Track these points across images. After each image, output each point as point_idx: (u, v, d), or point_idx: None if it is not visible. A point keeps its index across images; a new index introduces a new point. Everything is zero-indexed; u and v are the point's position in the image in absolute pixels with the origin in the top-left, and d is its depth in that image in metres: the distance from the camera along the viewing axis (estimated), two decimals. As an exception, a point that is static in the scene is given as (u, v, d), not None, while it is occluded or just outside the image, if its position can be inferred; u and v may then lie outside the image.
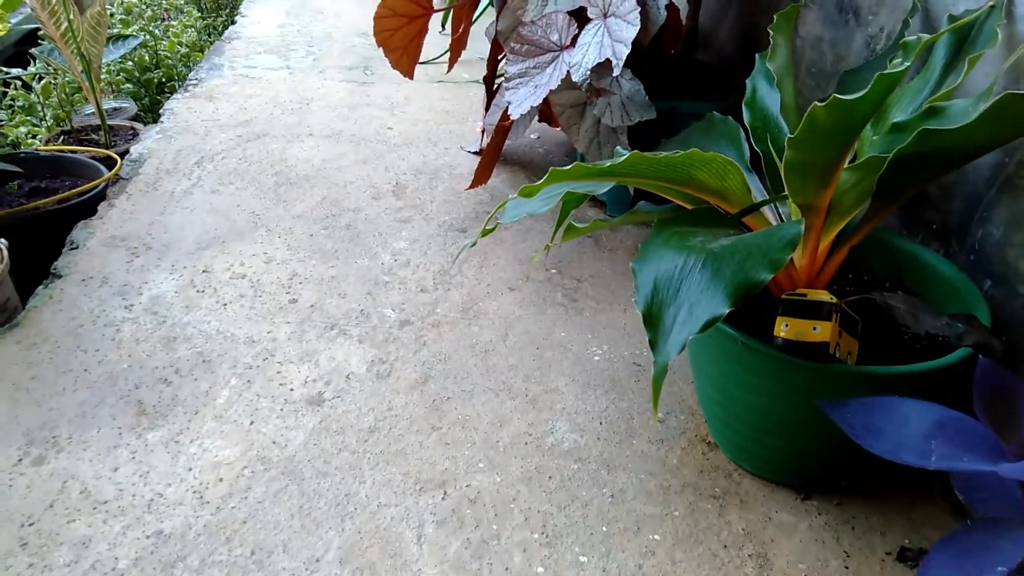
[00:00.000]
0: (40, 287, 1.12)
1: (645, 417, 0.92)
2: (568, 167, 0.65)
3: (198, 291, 1.13)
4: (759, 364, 0.72)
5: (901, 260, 0.86)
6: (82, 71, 1.67)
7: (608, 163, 0.64)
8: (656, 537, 0.77)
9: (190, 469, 0.83)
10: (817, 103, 0.60)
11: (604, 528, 0.78)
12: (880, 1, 1.02)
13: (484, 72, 1.49)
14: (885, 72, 0.54)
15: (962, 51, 0.76)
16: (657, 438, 0.89)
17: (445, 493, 0.81)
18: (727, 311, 0.57)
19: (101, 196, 1.40)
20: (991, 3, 0.79)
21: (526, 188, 0.66)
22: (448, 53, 1.61)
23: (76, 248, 1.22)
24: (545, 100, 1.09)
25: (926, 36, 0.59)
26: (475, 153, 1.61)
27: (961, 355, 0.69)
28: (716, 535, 0.77)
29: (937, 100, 0.70)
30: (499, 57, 1.45)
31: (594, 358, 1.02)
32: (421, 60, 1.44)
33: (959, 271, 0.81)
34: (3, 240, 1.17)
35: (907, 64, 0.54)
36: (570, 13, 1.10)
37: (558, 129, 1.38)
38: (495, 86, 1.50)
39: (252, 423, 0.89)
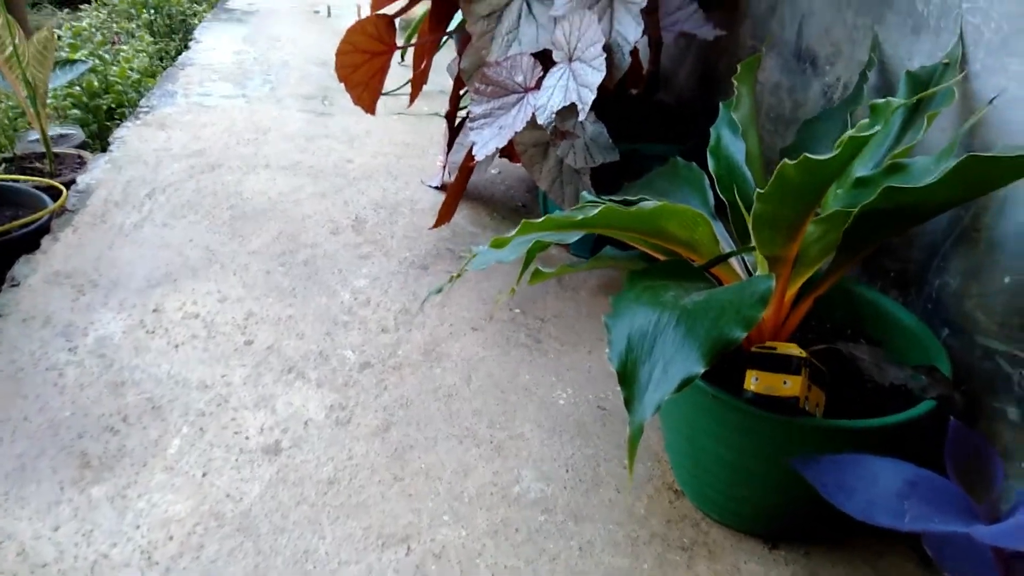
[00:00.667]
0: (-23, 327, 1.06)
1: (612, 464, 0.91)
2: (540, 220, 0.64)
3: (148, 332, 1.08)
4: (729, 417, 0.71)
5: (862, 309, 0.87)
6: (27, 96, 1.61)
7: (580, 216, 0.64)
8: (625, 592, 0.76)
9: (138, 527, 0.78)
10: (787, 160, 0.60)
11: (572, 583, 0.76)
12: (837, 52, 1.05)
13: (445, 104, 1.49)
14: (854, 135, 0.54)
15: (920, 107, 0.78)
16: (624, 486, 0.88)
17: (409, 548, 0.79)
18: (702, 370, 0.56)
19: (45, 229, 1.34)
20: (945, 61, 0.82)
21: (497, 240, 0.65)
22: (409, 85, 1.60)
23: (17, 285, 1.16)
24: (509, 140, 1.08)
25: (895, 100, 0.61)
26: (436, 188, 1.60)
27: (926, 408, 0.70)
28: (685, 589, 0.76)
29: (898, 156, 0.71)
30: (460, 93, 1.45)
31: (559, 402, 1.01)
32: (382, 92, 1.42)
33: (919, 321, 0.82)
34: (-63, 277, 1.11)
35: (877, 128, 0.55)
36: (535, 55, 1.10)
37: (519, 164, 1.38)
38: (456, 122, 1.49)
39: (205, 475, 0.85)
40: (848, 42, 1.02)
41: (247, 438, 0.91)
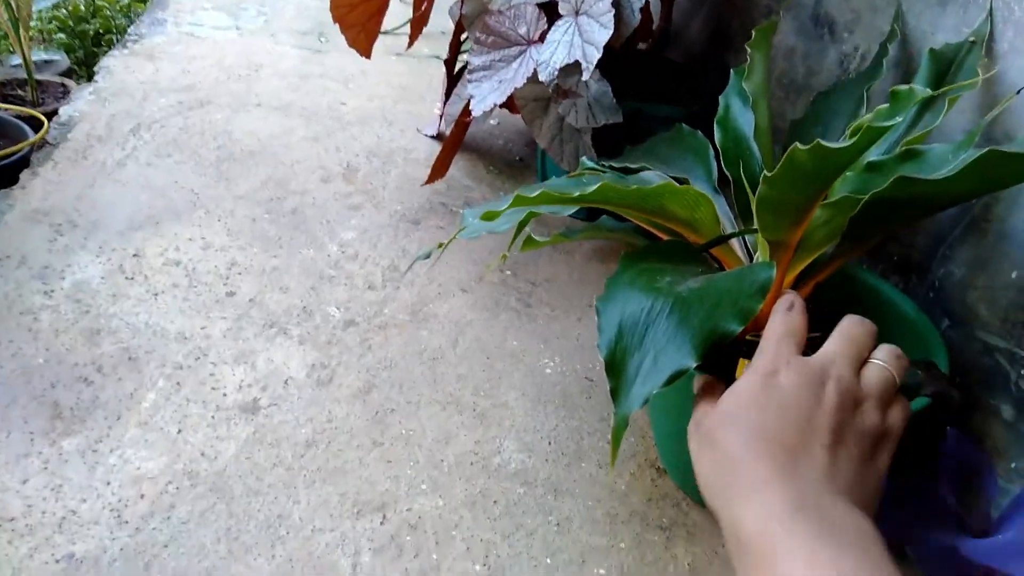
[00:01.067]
0: (-51, 265, 1.02)
1: (595, 438, 0.90)
2: (534, 194, 0.60)
3: (127, 278, 1.05)
4: (718, 404, 0.69)
5: (862, 295, 0.85)
6: (7, 19, 1.54)
7: (577, 192, 0.60)
8: (601, 571, 0.75)
9: (108, 483, 0.77)
10: (799, 145, 0.56)
11: (548, 560, 0.75)
12: (856, 19, 1.00)
13: (445, 46, 1.43)
14: (873, 126, 0.51)
15: (940, 87, 0.74)
16: (606, 461, 0.87)
17: (384, 517, 0.77)
18: (694, 364, 0.54)
19: (24, 162, 1.29)
20: (971, 39, 0.77)
21: (488, 212, 0.62)
22: (408, 25, 1.54)
23: (-8, 222, 1.12)
24: (509, 96, 1.03)
25: (919, 90, 0.57)
26: (432, 137, 1.55)
27: (919, 405, 0.68)
28: (662, 570, 0.76)
29: (914, 142, 0.67)
30: (461, 38, 1.39)
31: (546, 371, 0.99)
32: (380, 32, 1.36)
33: (920, 312, 0.79)
34: (-91, 209, 1.07)
35: (898, 119, 0.52)
36: (540, 6, 1.05)
37: (519, 116, 1.33)
38: (455, 70, 1.43)
39: (180, 431, 0.84)
40: (869, 10, 0.97)
41: (225, 395, 0.89)
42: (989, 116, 0.70)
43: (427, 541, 0.76)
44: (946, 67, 0.76)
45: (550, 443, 0.89)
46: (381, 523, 0.77)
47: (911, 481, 0.55)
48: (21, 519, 0.72)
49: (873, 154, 0.73)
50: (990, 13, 0.76)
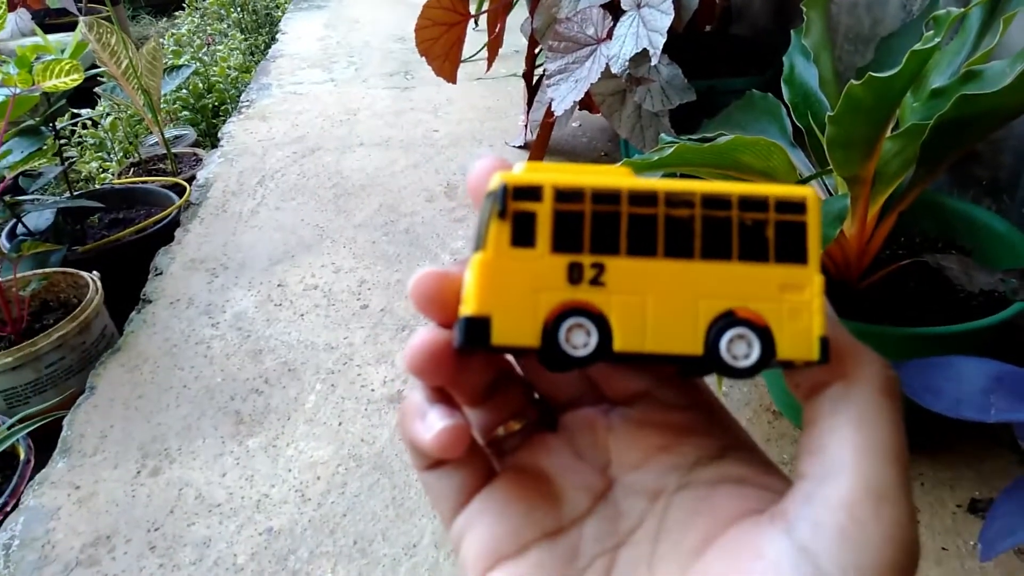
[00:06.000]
0: (133, 312, 1.21)
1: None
2: (617, 165, 0.68)
3: (276, 305, 1.20)
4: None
5: (953, 220, 0.87)
6: (144, 104, 1.77)
7: (656, 157, 0.68)
8: (729, 505, 0.81)
9: (290, 470, 0.90)
10: (853, 81, 0.62)
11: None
12: (913, -38, 1.02)
13: (521, 65, 1.53)
14: (916, 49, 0.56)
15: (996, 10, 0.77)
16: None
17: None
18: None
19: (175, 222, 1.49)
20: (1025, -42, 0.80)
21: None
22: (485, 50, 1.66)
23: (160, 274, 1.31)
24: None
25: (955, 10, 0.61)
26: (520, 147, 1.65)
27: (1016, 309, 0.71)
28: (787, 499, 0.81)
29: (974, 63, 0.71)
30: (536, 51, 1.49)
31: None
32: (461, 60, 1.48)
33: (1012, 227, 0.82)
34: (95, 272, 1.26)
35: (938, 40, 0.57)
36: (603, 6, 1.13)
37: (599, 115, 1.41)
38: (534, 80, 1.53)
39: (340, 424, 0.96)
40: (924, -50, 1.00)
41: (373, 390, 1.01)
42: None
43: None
44: (1000, -10, 0.79)
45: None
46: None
47: (1008, 372, 0.59)
48: (226, 504, 0.86)
49: (937, 81, 0.77)
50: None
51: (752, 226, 0.21)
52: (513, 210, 0.21)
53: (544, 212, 0.21)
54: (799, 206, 0.21)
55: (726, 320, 0.21)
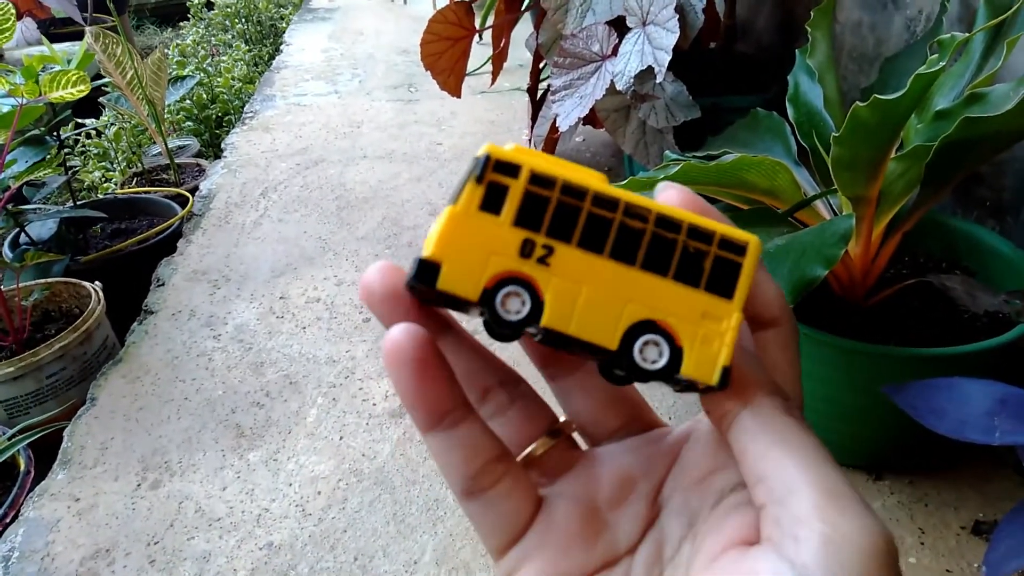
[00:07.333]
0: (135, 323, 1.21)
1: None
2: (622, 183, 0.69)
3: (278, 317, 1.20)
4: (823, 353, 0.75)
5: (957, 241, 0.87)
6: (148, 114, 1.77)
7: (662, 175, 0.68)
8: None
9: (290, 484, 0.90)
10: (859, 103, 0.63)
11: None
12: (917, -17, 1.03)
13: (525, 79, 1.54)
14: (921, 72, 0.56)
15: (1000, 33, 0.77)
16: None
17: (527, 493, 0.86)
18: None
19: (178, 233, 1.49)
20: (1028, -19, 0.80)
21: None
22: (489, 64, 1.66)
23: (162, 285, 1.31)
24: (591, 109, 1.12)
25: (960, 35, 0.62)
26: (523, 161, 1.66)
27: (1021, 331, 0.71)
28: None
29: (978, 86, 0.71)
30: (540, 66, 1.50)
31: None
32: (466, 74, 1.49)
33: (1016, 248, 0.82)
34: (97, 282, 1.26)
35: (942, 63, 0.57)
36: (609, 23, 1.14)
37: (603, 130, 1.41)
38: (538, 95, 1.54)
39: (342, 438, 0.96)
40: (928, -28, 1.00)
41: (374, 404, 1.01)
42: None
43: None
44: (1002, 12, 0.79)
45: (670, 418, 0.95)
46: (525, 499, 0.86)
47: (1013, 394, 0.59)
48: (226, 518, 0.86)
49: (941, 103, 0.77)
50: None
51: (693, 253, 0.24)
52: (489, 179, 0.23)
53: (516, 188, 0.23)
54: (740, 248, 0.24)
55: (645, 326, 0.23)
